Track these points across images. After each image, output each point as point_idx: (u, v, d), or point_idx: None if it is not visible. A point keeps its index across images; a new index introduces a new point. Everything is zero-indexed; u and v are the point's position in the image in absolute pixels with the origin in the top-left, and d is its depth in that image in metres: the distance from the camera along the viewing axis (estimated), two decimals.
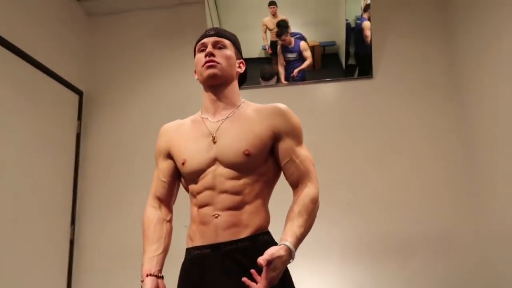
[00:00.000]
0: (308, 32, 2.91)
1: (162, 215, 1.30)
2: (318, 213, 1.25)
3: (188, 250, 1.23)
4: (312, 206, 1.20)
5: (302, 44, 2.89)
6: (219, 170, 1.19)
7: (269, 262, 1.03)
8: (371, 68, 2.89)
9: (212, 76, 1.26)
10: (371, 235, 2.64)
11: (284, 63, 2.95)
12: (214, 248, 1.15)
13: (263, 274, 1.03)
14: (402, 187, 2.73)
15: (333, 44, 2.89)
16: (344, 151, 2.82)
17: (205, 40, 1.31)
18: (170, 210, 1.34)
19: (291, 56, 2.93)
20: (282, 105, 1.28)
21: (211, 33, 1.32)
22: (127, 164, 2.98)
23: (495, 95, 2.49)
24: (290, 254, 1.09)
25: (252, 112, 1.28)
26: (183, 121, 1.37)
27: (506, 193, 2.41)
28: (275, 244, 1.15)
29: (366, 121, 2.87)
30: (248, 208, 1.18)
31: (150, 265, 1.19)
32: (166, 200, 1.33)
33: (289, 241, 1.10)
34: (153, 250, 1.23)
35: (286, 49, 2.92)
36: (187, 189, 1.32)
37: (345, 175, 2.75)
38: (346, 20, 2.84)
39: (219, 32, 1.34)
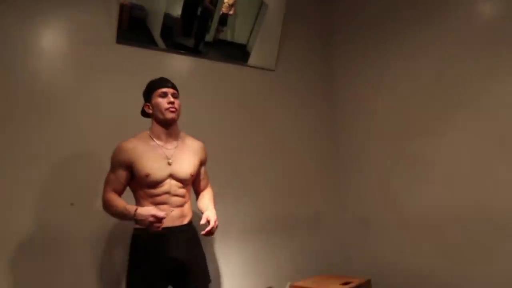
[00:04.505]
0: None
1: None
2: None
3: (147, 230, 1.78)
4: (213, 199, 2.11)
5: None
6: (173, 182, 1.90)
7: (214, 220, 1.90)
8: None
9: (173, 119, 1.90)
10: (265, 214, 3.00)
11: None
12: (170, 229, 1.86)
13: (212, 224, 1.87)
14: (288, 174, 3.20)
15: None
16: (248, 137, 3.01)
17: (166, 90, 1.90)
18: None
19: None
20: (203, 144, 2.08)
21: (169, 85, 1.92)
22: None
23: (359, 100, 3.29)
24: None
25: (190, 145, 2.01)
26: (136, 141, 1.90)
27: (362, 188, 3.25)
28: (196, 230, 2.01)
29: (266, 111, 3.14)
30: (186, 206, 1.97)
31: (132, 206, 1.80)
32: (120, 194, 1.91)
33: (213, 208, 2.00)
34: (125, 203, 1.81)
35: None
36: (134, 189, 1.91)
37: (247, 159, 2.96)
38: None
39: (174, 85, 1.95)
